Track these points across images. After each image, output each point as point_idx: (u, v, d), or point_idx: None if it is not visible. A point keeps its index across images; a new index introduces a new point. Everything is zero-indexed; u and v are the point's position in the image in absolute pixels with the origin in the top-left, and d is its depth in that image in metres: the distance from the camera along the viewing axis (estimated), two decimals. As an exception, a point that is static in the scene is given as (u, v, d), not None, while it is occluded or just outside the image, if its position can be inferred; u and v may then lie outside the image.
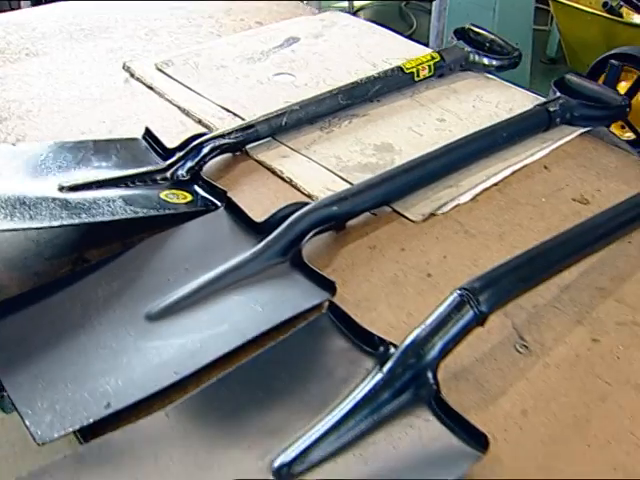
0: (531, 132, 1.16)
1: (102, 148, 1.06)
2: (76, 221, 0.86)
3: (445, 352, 0.71)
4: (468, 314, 0.72)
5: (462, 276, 0.82)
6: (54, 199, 0.89)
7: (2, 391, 0.71)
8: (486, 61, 1.37)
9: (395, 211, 0.99)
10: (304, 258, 0.87)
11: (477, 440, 0.65)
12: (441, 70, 1.33)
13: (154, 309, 0.81)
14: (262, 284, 0.84)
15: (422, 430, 0.67)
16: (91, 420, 0.67)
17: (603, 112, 1.21)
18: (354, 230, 0.95)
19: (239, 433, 0.67)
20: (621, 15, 3.05)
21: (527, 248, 0.82)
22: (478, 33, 1.42)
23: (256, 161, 1.10)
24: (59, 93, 1.27)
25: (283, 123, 1.13)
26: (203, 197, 0.99)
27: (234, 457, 0.65)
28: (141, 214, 0.91)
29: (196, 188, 1.01)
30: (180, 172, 1.03)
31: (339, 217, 0.92)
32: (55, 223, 0.84)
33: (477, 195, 1.03)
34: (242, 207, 0.95)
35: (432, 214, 0.99)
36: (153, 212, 0.92)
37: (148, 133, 1.11)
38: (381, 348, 0.74)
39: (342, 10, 1.66)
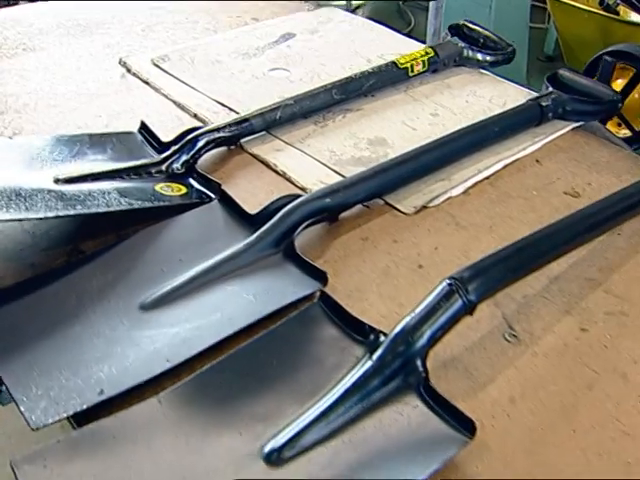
0: (523, 126, 1.17)
1: (98, 142, 1.07)
2: (71, 212, 0.87)
3: (434, 340, 0.72)
4: (457, 303, 0.73)
5: (453, 267, 0.82)
6: (50, 191, 0.90)
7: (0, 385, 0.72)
8: (480, 57, 1.38)
9: (387, 204, 1.00)
10: (297, 249, 0.88)
11: (465, 426, 0.66)
12: (435, 65, 1.34)
13: (148, 299, 0.82)
14: (255, 275, 0.85)
15: (411, 416, 0.68)
16: (85, 406, 0.68)
17: (595, 107, 1.22)
18: (347, 222, 0.96)
19: (231, 419, 0.68)
20: (618, 13, 3.06)
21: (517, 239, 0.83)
22: (472, 29, 1.43)
23: (250, 155, 1.11)
24: (56, 88, 1.28)
25: (277, 117, 1.14)
26: (197, 190, 1.00)
27: (225, 442, 0.66)
28: (136, 206, 0.92)
29: (191, 181, 1.02)
30: (175, 165, 1.04)
31: (331, 209, 0.93)
32: (50, 214, 0.85)
33: (469, 188, 1.04)
34: (236, 199, 0.96)
35: (424, 207, 1.00)
36: (147, 204, 0.93)
37: (144, 127, 1.12)
38: (371, 336, 0.75)
39: (340, 8, 1.67)
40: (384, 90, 1.28)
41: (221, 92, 1.26)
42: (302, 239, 0.91)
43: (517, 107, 1.18)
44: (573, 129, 1.20)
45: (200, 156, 1.06)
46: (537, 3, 3.60)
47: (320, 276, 0.84)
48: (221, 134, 1.09)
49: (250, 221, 0.92)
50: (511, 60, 1.42)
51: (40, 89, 1.27)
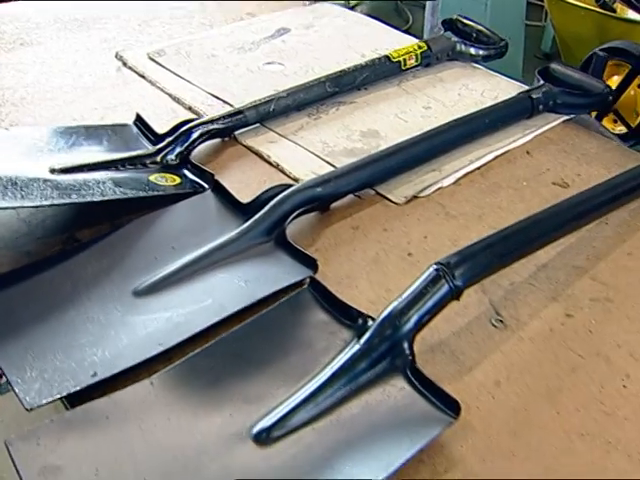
0: (514, 119, 1.18)
1: (93, 133, 1.09)
2: (66, 201, 0.89)
3: (421, 324, 0.74)
4: (443, 288, 0.75)
5: (441, 255, 0.83)
6: (45, 180, 0.91)
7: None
8: (473, 51, 1.39)
9: (378, 194, 1.01)
10: (288, 237, 0.89)
11: (450, 406, 0.68)
12: (428, 59, 1.35)
13: (141, 285, 0.83)
14: (246, 262, 0.87)
15: (397, 397, 0.69)
16: (78, 388, 0.69)
17: (586, 100, 1.24)
18: (338, 211, 0.98)
19: (221, 401, 0.70)
20: (614, 10, 3.07)
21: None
22: (466, 24, 1.44)
23: (244, 146, 1.12)
24: (52, 81, 1.29)
25: (271, 110, 1.15)
26: (191, 180, 1.01)
27: (216, 423, 0.68)
28: (130, 195, 0.94)
29: (185, 172, 1.04)
30: (169, 156, 1.05)
31: (323, 198, 0.95)
32: (46, 202, 0.86)
33: (459, 179, 1.06)
34: (229, 189, 0.97)
35: (415, 197, 1.01)
36: (142, 193, 0.95)
37: (139, 119, 1.14)
38: (359, 321, 0.77)
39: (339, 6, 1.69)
40: (377, 83, 1.29)
41: (216, 85, 1.28)
42: (294, 228, 0.93)
43: (508, 99, 1.19)
44: (564, 122, 1.21)
45: (194, 147, 1.07)
46: (534, 1, 3.61)
47: (311, 263, 0.85)
48: (215, 126, 1.10)
49: (242, 210, 0.94)
50: (504, 54, 1.43)
51: (37, 82, 1.28)
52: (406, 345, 0.72)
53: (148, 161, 1.04)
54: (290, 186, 0.94)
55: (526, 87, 1.28)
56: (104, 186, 0.94)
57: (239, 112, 1.13)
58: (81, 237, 0.92)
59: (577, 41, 3.18)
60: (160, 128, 1.11)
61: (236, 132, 1.14)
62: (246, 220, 0.91)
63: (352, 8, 4.11)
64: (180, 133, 1.07)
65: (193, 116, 1.18)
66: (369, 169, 1.00)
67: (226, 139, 1.13)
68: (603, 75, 2.57)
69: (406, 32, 1.60)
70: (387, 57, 1.30)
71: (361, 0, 4.20)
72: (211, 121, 1.10)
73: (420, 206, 1.00)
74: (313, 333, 0.77)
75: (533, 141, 1.16)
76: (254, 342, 0.76)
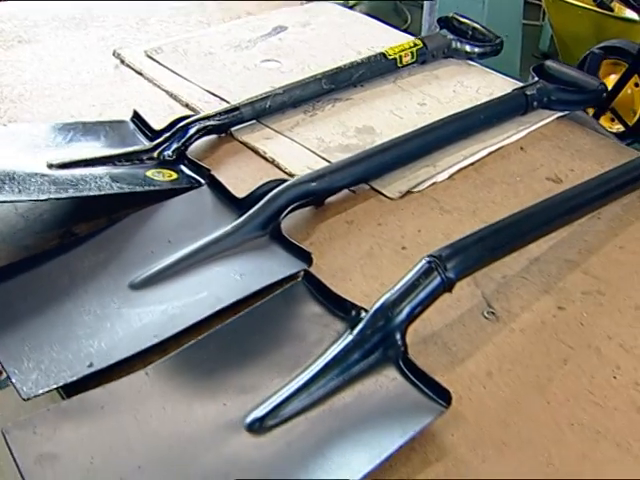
0: (509, 115, 1.19)
1: (91, 129, 1.09)
2: (63, 195, 0.90)
3: (413, 316, 0.74)
4: (435, 280, 0.76)
5: (435, 249, 0.85)
6: (43, 175, 0.92)
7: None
8: (468, 48, 1.40)
9: (373, 189, 1.02)
10: (283, 232, 0.90)
11: (441, 396, 0.69)
12: (424, 57, 1.36)
13: (137, 279, 0.84)
14: (242, 255, 0.87)
15: (389, 387, 0.70)
16: (74, 378, 0.70)
17: (580, 96, 1.25)
18: (333, 206, 0.99)
19: (215, 391, 0.71)
20: (612, 9, 3.08)
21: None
22: (461, 22, 1.45)
23: (240, 142, 1.13)
24: (50, 78, 1.30)
25: (267, 106, 1.16)
26: (187, 175, 1.02)
27: (210, 412, 0.69)
28: (127, 190, 0.94)
29: (181, 167, 1.05)
30: (166, 152, 1.06)
31: (317, 193, 0.96)
32: (43, 196, 0.87)
33: (454, 174, 1.06)
34: (225, 184, 0.98)
35: (409, 192, 1.02)
36: (138, 188, 0.96)
37: (136, 115, 1.14)
38: (353, 312, 0.78)
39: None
40: (373, 80, 1.30)
41: (213, 83, 1.29)
42: (289, 222, 0.94)
43: (502, 96, 1.20)
44: (558, 118, 1.22)
45: (191, 143, 1.08)
46: (532, 0, 3.62)
47: (305, 256, 0.86)
48: (211, 122, 1.11)
49: (238, 205, 0.95)
50: (499, 52, 1.44)
51: (35, 79, 1.29)
52: (398, 336, 0.73)
53: (145, 157, 1.05)
54: (285, 181, 0.95)
55: (521, 84, 1.28)
56: (101, 181, 0.95)
57: (235, 109, 1.14)
58: (78, 231, 0.93)
59: (575, 40, 3.20)
60: (157, 125, 1.12)
61: (232, 128, 1.14)
62: (241, 214, 0.92)
63: (351, 8, 4.12)
64: (177, 129, 1.08)
65: (190, 113, 1.18)
66: (364, 164, 1.01)
67: (222, 135, 1.14)
68: (598, 72, 2.58)
69: (405, 31, 1.61)
70: (383, 54, 1.31)
71: (360, 0, 4.22)
72: (207, 117, 1.11)
73: (414, 201, 1.01)
74: (307, 325, 0.78)
75: (527, 137, 1.17)
76: (248, 334, 0.77)
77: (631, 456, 0.68)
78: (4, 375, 0.75)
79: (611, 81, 2.71)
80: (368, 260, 0.90)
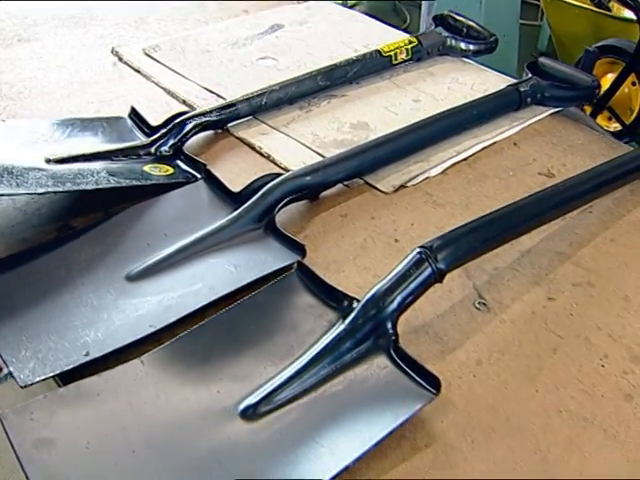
0: (502, 111, 1.20)
1: (89, 125, 1.11)
2: (61, 189, 0.91)
3: (404, 305, 0.76)
4: (426, 271, 0.77)
5: (427, 241, 0.86)
6: (41, 169, 0.94)
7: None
8: (463, 45, 1.41)
9: (367, 183, 1.04)
10: (277, 225, 0.91)
11: (430, 383, 0.70)
12: (419, 54, 1.38)
13: (134, 271, 0.85)
14: (237, 248, 0.89)
15: (380, 375, 0.72)
16: (70, 366, 0.72)
17: (573, 92, 1.26)
18: (327, 200, 1.00)
19: (209, 379, 0.72)
20: (609, 9, 3.09)
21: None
22: (456, 19, 1.46)
23: (237, 138, 1.15)
24: (49, 76, 1.32)
25: (263, 102, 1.18)
26: (184, 170, 1.04)
27: (204, 400, 0.70)
28: (124, 184, 0.96)
29: (178, 162, 1.06)
30: (163, 148, 1.07)
31: (311, 187, 0.97)
32: (41, 190, 0.89)
33: (447, 169, 1.08)
34: (220, 178, 1.00)
35: (402, 186, 1.03)
36: (135, 182, 0.97)
37: (134, 112, 1.16)
38: (345, 303, 0.79)
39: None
40: (368, 77, 1.32)
41: (210, 80, 1.30)
42: (283, 216, 0.95)
43: (496, 92, 1.21)
44: (552, 114, 1.23)
45: (187, 139, 1.09)
46: (530, 0, 3.64)
47: (299, 248, 0.87)
48: (208, 118, 1.12)
49: (233, 198, 0.96)
50: (494, 49, 1.45)
51: (34, 77, 1.31)
52: (389, 325, 0.74)
53: (142, 152, 1.06)
54: (280, 175, 0.96)
55: (515, 81, 1.30)
56: (98, 175, 0.96)
57: (232, 105, 1.15)
58: (76, 225, 0.95)
59: (573, 40, 3.20)
60: (154, 121, 1.14)
61: (229, 124, 1.16)
62: (237, 208, 0.93)
63: (351, 8, 4.14)
64: (174, 125, 1.09)
65: (187, 109, 1.20)
66: (358, 159, 1.02)
67: (219, 131, 1.15)
68: (592, 70, 2.59)
69: (404, 32, 1.62)
70: (378, 52, 1.32)
71: (359, 0, 4.23)
72: (204, 113, 1.12)
73: (408, 195, 1.02)
74: (300, 315, 0.79)
75: (520, 133, 1.18)
76: (242, 324, 0.78)
77: (618, 442, 0.69)
78: (3, 372, 0.76)
79: (608, 80, 2.71)
80: (361, 253, 0.91)
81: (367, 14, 1.73)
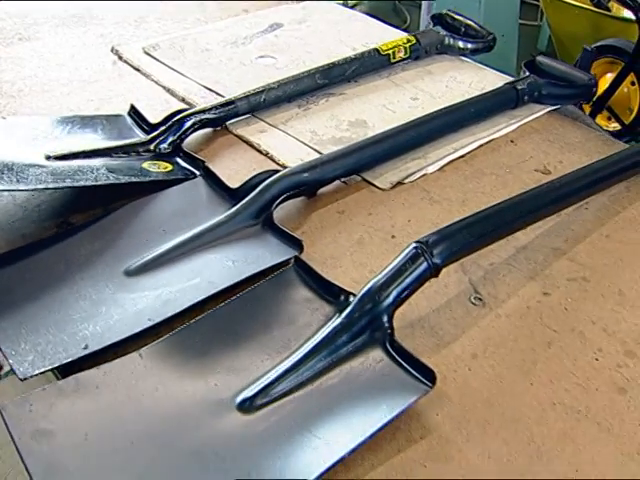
0: (499, 109, 1.21)
1: (89, 123, 1.12)
2: (60, 185, 0.92)
3: (400, 300, 0.76)
4: (422, 265, 0.78)
5: (423, 236, 0.87)
6: (41, 166, 0.94)
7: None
8: (461, 44, 1.42)
9: (365, 180, 1.04)
10: (275, 220, 0.92)
11: (426, 376, 0.71)
12: (417, 53, 1.38)
13: (132, 266, 0.86)
14: (234, 243, 0.89)
15: (376, 368, 0.72)
16: (69, 359, 0.72)
17: (570, 91, 1.27)
18: (325, 197, 1.01)
19: (207, 372, 0.73)
20: (609, 9, 3.10)
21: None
22: (455, 18, 1.47)
23: (235, 135, 1.15)
24: (50, 74, 1.32)
25: (262, 100, 1.18)
26: (183, 167, 1.04)
27: (201, 392, 0.71)
28: (123, 181, 0.97)
29: (177, 159, 1.07)
30: (162, 145, 1.08)
31: (309, 184, 0.98)
32: (40, 186, 0.90)
33: (444, 166, 1.08)
34: (219, 175, 1.00)
35: (400, 183, 1.04)
36: (134, 179, 0.98)
37: (133, 109, 1.17)
38: (341, 297, 0.80)
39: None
40: (367, 76, 1.32)
41: (209, 78, 1.31)
42: (281, 212, 0.96)
43: (493, 90, 1.22)
44: (549, 112, 1.24)
45: (186, 136, 1.10)
46: (530, 0, 3.65)
47: (296, 244, 0.88)
48: (207, 116, 1.13)
49: (231, 195, 0.97)
50: (492, 48, 1.46)
51: (35, 75, 1.32)
52: (385, 319, 0.75)
53: (141, 149, 1.07)
54: (278, 172, 0.97)
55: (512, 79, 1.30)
56: (98, 172, 0.97)
57: (231, 102, 1.16)
58: (75, 221, 0.95)
59: (572, 40, 3.21)
60: (154, 119, 1.14)
61: (228, 122, 1.17)
62: (235, 204, 0.94)
63: (352, 8, 4.15)
64: (173, 122, 1.10)
65: (186, 107, 1.20)
66: (355, 156, 1.03)
67: (218, 129, 1.16)
68: (590, 68, 2.59)
69: (404, 32, 1.63)
70: (376, 50, 1.33)
71: (360, 0, 4.24)
72: (203, 111, 1.13)
73: (405, 191, 1.03)
74: (297, 309, 0.80)
75: (517, 130, 1.18)
76: (240, 317, 0.78)
77: (612, 435, 0.70)
78: (4, 370, 0.77)
79: (608, 79, 2.72)
80: (358, 248, 0.92)
81: (367, 14, 1.74)
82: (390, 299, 0.76)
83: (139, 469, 0.63)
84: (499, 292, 0.86)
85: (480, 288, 0.86)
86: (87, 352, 0.73)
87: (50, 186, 0.91)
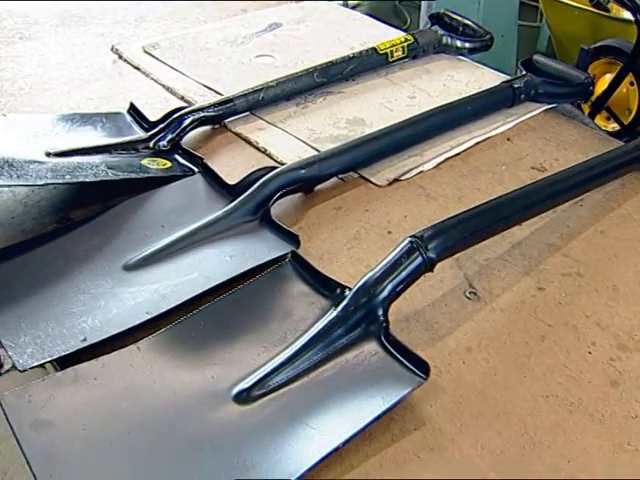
0: (496, 107, 1.22)
1: (88, 120, 1.13)
2: (60, 181, 0.93)
3: (395, 293, 0.77)
4: (417, 260, 0.78)
5: (419, 232, 0.88)
6: (41, 162, 0.95)
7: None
8: (459, 43, 1.43)
9: (362, 177, 1.05)
10: (272, 216, 0.93)
11: (420, 368, 0.71)
12: (415, 52, 1.39)
13: (131, 261, 0.87)
14: (232, 239, 0.90)
15: (371, 361, 0.73)
16: (68, 351, 0.73)
17: (566, 89, 1.28)
18: (322, 193, 1.02)
19: (204, 364, 0.74)
20: (608, 10, 3.10)
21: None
22: (452, 18, 1.48)
23: (234, 133, 1.16)
24: (50, 73, 1.34)
25: (260, 98, 1.19)
26: (181, 164, 1.05)
27: (198, 384, 0.71)
28: (122, 177, 0.97)
29: (176, 157, 1.08)
30: (161, 142, 1.09)
31: (306, 180, 0.98)
32: (40, 182, 0.90)
33: (440, 163, 1.09)
34: (217, 172, 1.01)
35: (396, 179, 1.05)
36: (133, 175, 0.99)
37: (132, 107, 1.18)
38: (337, 291, 0.81)
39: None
40: (365, 74, 1.33)
41: (208, 77, 1.32)
42: (279, 208, 0.97)
43: (490, 89, 1.23)
44: (546, 110, 1.25)
45: (185, 134, 1.11)
46: (529, 2, 3.66)
47: (293, 239, 0.89)
48: (206, 113, 1.14)
49: (229, 191, 0.98)
50: (489, 47, 1.47)
51: (35, 74, 1.33)
52: (380, 312, 0.76)
53: (141, 146, 1.08)
54: (275, 168, 0.98)
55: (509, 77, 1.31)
56: (97, 169, 0.98)
57: (229, 100, 1.17)
58: (74, 217, 0.96)
59: (572, 40, 3.22)
60: (153, 117, 1.15)
61: (226, 120, 1.17)
62: (233, 200, 0.95)
63: (352, 9, 4.16)
64: (172, 120, 1.11)
65: (185, 105, 1.21)
66: (352, 153, 1.04)
67: (216, 126, 1.17)
68: (588, 68, 2.60)
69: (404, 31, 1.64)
70: (374, 49, 1.34)
71: (360, 1, 4.25)
72: (202, 109, 1.14)
73: (401, 188, 1.04)
74: (293, 303, 0.81)
75: (514, 128, 1.19)
76: (237, 311, 0.79)
77: (603, 427, 0.70)
78: (5, 369, 0.78)
79: (607, 80, 2.73)
80: (355, 244, 0.93)
81: (367, 15, 1.75)
82: (385, 293, 0.76)
83: (137, 459, 0.64)
84: (494, 287, 0.87)
85: (475, 283, 0.87)
86: (86, 344, 0.74)
87: (50, 182, 0.92)
